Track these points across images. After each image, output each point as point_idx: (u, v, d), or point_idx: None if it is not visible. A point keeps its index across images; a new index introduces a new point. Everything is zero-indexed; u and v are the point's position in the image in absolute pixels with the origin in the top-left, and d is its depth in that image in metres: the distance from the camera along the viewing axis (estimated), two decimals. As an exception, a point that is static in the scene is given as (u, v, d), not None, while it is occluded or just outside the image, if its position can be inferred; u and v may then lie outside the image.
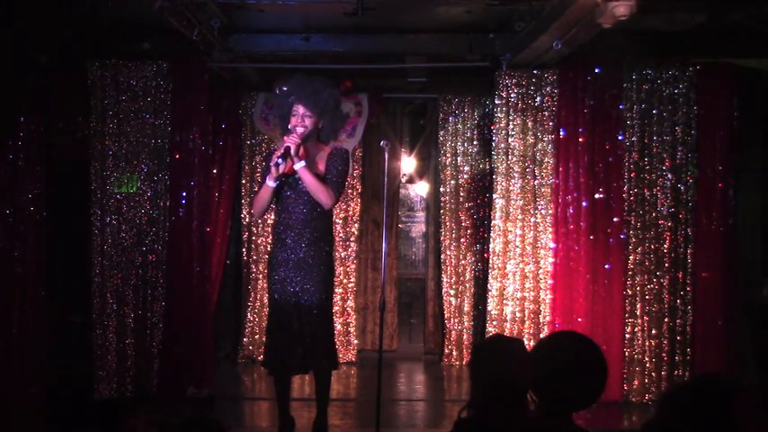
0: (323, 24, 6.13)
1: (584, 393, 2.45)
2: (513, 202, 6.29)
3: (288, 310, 4.58)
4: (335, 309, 7.47)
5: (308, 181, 4.51)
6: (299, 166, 4.48)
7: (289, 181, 4.61)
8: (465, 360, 7.33)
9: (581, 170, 6.11)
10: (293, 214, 4.62)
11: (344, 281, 7.50)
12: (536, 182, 6.26)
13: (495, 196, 6.36)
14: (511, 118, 6.28)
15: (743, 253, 6.40)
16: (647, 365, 6.15)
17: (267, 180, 4.56)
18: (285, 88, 4.66)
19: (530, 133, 6.26)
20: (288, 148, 4.45)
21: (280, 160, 4.46)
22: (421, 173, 7.98)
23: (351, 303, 7.57)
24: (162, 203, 6.11)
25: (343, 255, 7.47)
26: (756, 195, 6.61)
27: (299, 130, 4.54)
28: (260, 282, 7.42)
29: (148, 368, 6.05)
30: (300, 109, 4.55)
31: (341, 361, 7.43)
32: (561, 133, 6.17)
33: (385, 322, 6.39)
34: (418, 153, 7.87)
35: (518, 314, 6.26)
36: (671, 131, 6.20)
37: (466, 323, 7.46)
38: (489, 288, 6.37)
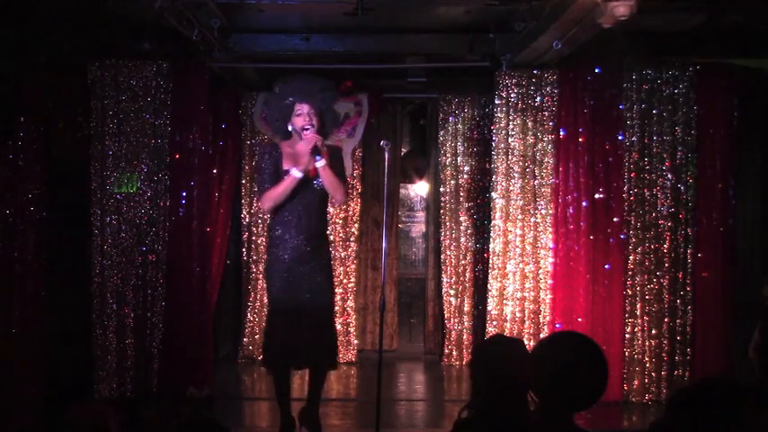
0: (323, 24, 6.13)
1: (585, 394, 2.45)
2: (513, 202, 6.29)
3: (291, 310, 4.57)
4: (337, 308, 7.50)
5: (329, 178, 4.53)
6: (322, 164, 4.49)
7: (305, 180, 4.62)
8: (465, 360, 7.33)
9: (581, 170, 6.11)
10: (298, 213, 4.59)
11: (344, 281, 7.50)
12: (536, 182, 6.26)
13: (495, 196, 6.36)
14: (511, 118, 6.27)
15: (743, 253, 6.40)
16: (647, 365, 6.15)
17: (293, 171, 4.52)
18: (286, 88, 4.66)
19: (530, 133, 6.26)
20: (316, 146, 4.47)
21: (318, 157, 4.48)
22: (421, 173, 7.98)
23: (351, 303, 7.57)
24: (162, 203, 6.10)
25: (343, 255, 7.47)
26: (756, 195, 6.61)
27: (309, 128, 4.53)
28: (260, 282, 7.41)
29: (148, 368, 6.05)
30: (306, 108, 4.56)
31: (341, 361, 7.47)
32: (561, 133, 6.17)
33: (385, 322, 6.38)
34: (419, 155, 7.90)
35: (518, 314, 6.26)
36: (671, 131, 6.20)
37: (466, 323, 7.45)
38: (489, 288, 6.37)
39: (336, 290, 7.43)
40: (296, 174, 4.49)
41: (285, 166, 4.60)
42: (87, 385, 5.91)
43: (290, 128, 4.62)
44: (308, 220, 4.60)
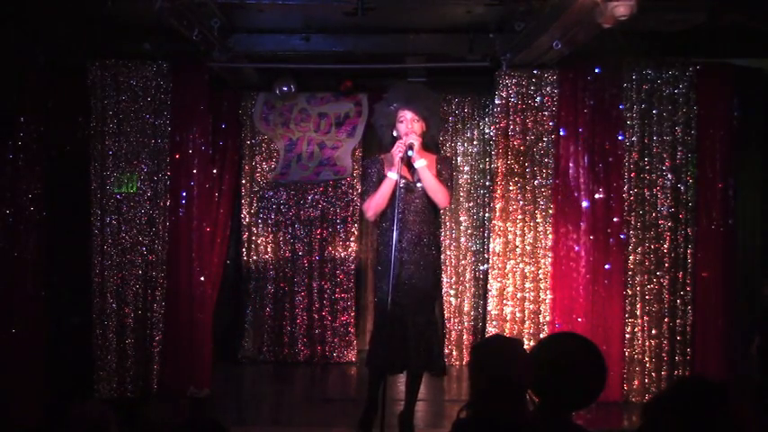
0: (323, 24, 6.13)
1: (583, 393, 2.45)
2: (513, 202, 6.28)
3: (393, 314, 4.58)
4: (337, 308, 7.50)
5: (429, 179, 4.60)
6: (422, 164, 4.56)
7: (408, 184, 4.65)
8: (465, 360, 7.32)
9: (581, 170, 6.10)
10: (402, 216, 4.63)
11: (344, 281, 7.50)
12: (536, 182, 6.26)
13: (495, 196, 6.36)
14: (511, 118, 6.27)
15: (743, 253, 6.39)
16: (647, 365, 6.14)
17: (389, 174, 4.58)
18: (391, 94, 4.75)
19: (530, 133, 6.26)
20: (412, 144, 4.53)
21: (410, 152, 4.53)
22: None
23: (351, 303, 7.56)
24: (162, 203, 6.10)
25: (343, 255, 7.47)
26: (756, 195, 6.60)
27: (410, 136, 4.60)
28: (260, 282, 7.43)
29: (148, 368, 6.05)
30: (408, 114, 4.65)
31: (341, 361, 7.49)
32: (561, 133, 6.16)
33: (385, 322, 6.37)
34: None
35: (518, 314, 6.26)
36: (671, 131, 6.19)
37: (466, 323, 7.45)
38: (489, 288, 6.37)
39: (335, 289, 7.48)
40: (392, 176, 4.56)
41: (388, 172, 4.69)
42: (87, 385, 5.91)
43: (395, 134, 4.71)
44: (412, 224, 4.68)
